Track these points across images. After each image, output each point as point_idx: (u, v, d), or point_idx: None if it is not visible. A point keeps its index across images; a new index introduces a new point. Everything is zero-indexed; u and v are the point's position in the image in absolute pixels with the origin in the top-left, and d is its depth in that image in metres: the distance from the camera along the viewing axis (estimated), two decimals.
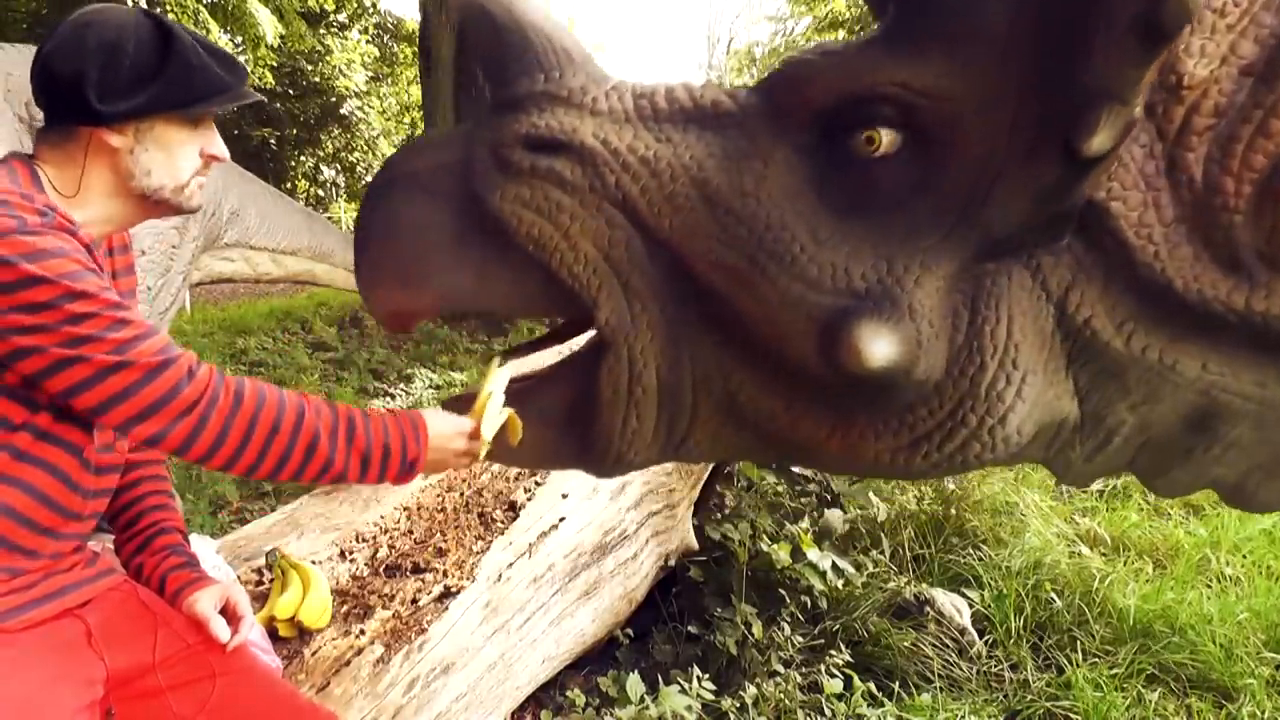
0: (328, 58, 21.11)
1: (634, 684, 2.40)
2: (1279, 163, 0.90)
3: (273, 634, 1.87)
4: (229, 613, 1.40)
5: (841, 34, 14.33)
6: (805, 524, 3.34)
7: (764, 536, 3.12)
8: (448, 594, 2.11)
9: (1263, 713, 2.58)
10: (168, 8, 11.99)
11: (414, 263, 1.12)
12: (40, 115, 1.26)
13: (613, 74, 1.18)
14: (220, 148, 1.30)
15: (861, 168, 1.04)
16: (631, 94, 1.13)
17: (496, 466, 2.70)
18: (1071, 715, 2.55)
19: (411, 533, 2.34)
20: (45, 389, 1.10)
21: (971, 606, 3.01)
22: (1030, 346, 1.01)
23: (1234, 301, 0.95)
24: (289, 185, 23.15)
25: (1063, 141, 0.88)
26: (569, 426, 1.20)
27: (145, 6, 13.51)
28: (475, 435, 1.26)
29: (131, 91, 1.16)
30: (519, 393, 1.26)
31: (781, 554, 2.92)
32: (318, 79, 21.30)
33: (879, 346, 0.96)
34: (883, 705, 2.54)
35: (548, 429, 1.22)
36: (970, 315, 1.01)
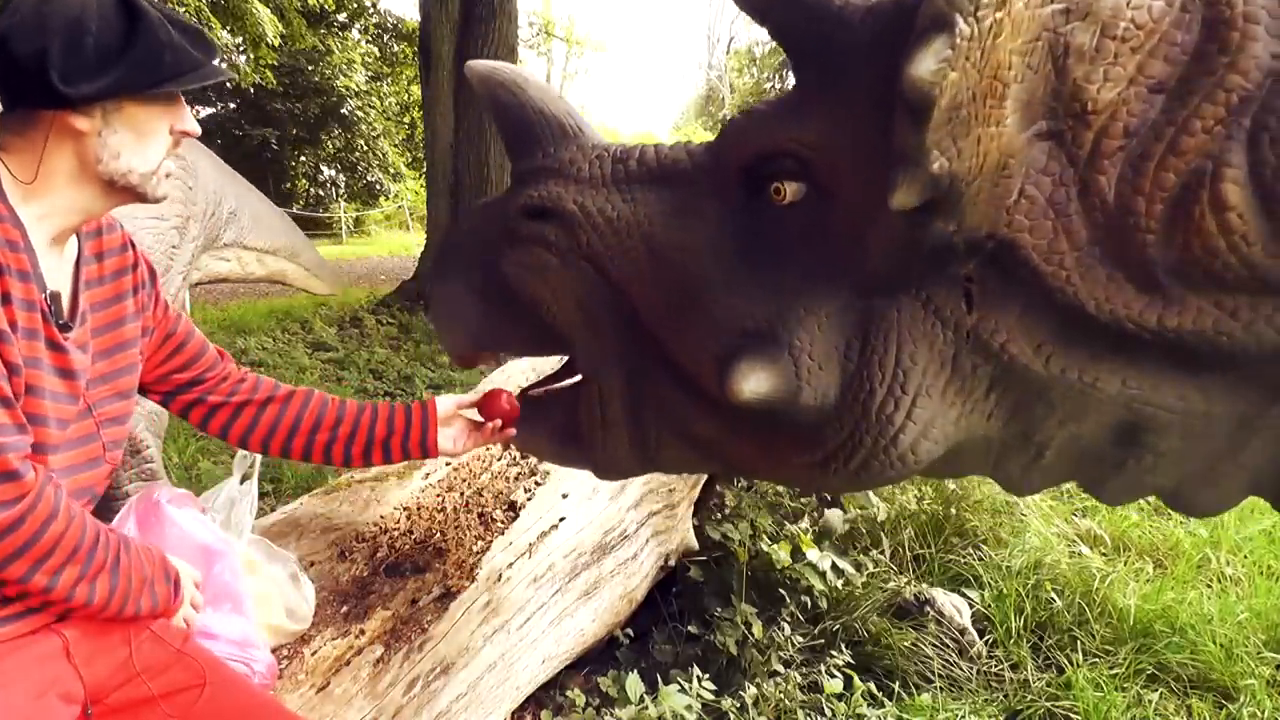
0: (328, 57, 21.11)
1: (634, 684, 2.40)
2: (1189, 180, 0.90)
3: None
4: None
5: None
6: (805, 524, 3.34)
7: (764, 536, 3.12)
8: (448, 594, 2.11)
9: (1263, 713, 2.58)
10: (169, 6, 11.99)
11: (455, 315, 1.42)
12: None
13: (601, 140, 1.39)
14: (191, 123, 1.24)
15: (773, 219, 1.16)
16: (611, 159, 1.32)
17: (496, 467, 2.70)
18: (1071, 715, 2.55)
19: (411, 533, 2.34)
20: None
21: (971, 606, 3.01)
22: (922, 372, 1.08)
23: (1146, 320, 0.97)
24: (289, 185, 23.13)
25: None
26: (567, 441, 1.45)
27: None
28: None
29: (97, 72, 1.08)
30: (535, 405, 1.53)
31: (781, 554, 2.92)
32: (318, 79, 21.30)
33: (751, 381, 1.09)
34: (883, 705, 2.54)
35: (553, 441, 1.50)
36: (860, 346, 1.10)
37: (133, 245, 1.39)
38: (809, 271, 1.12)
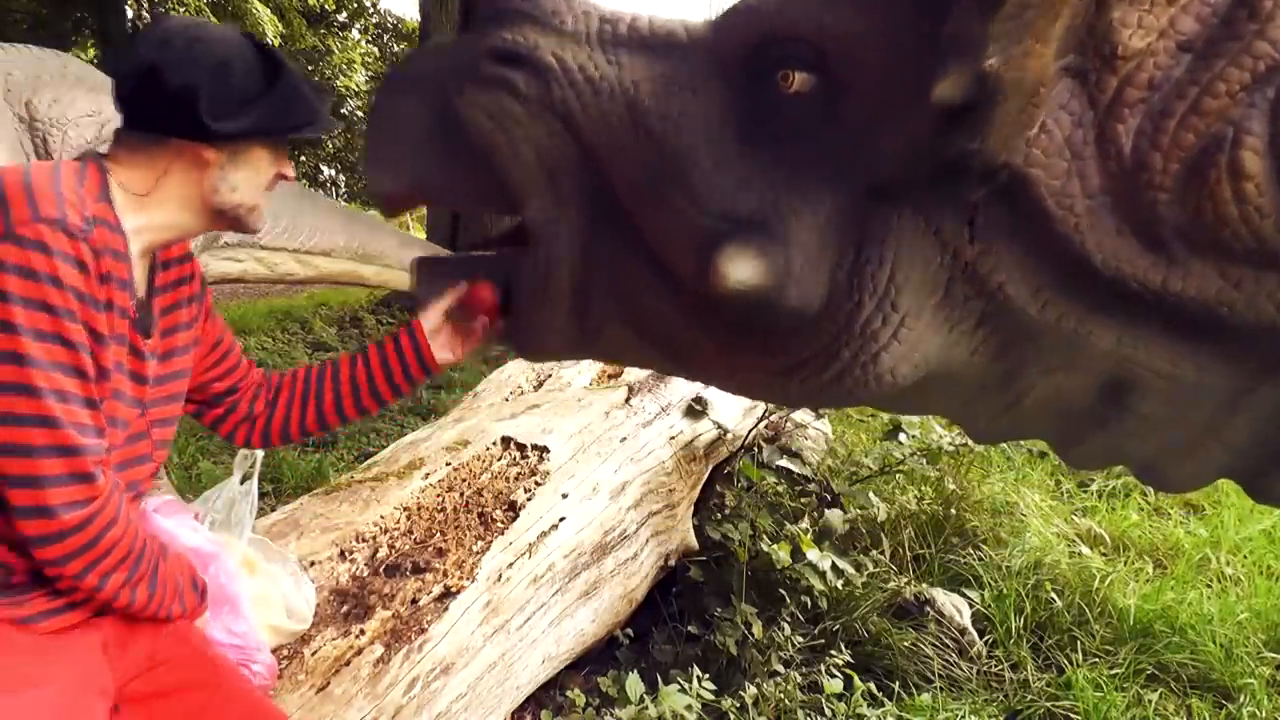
0: (328, 57, 21.11)
1: (634, 684, 2.40)
2: (1209, 143, 0.89)
3: None
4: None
5: None
6: (805, 524, 3.34)
7: (764, 536, 3.12)
8: (448, 594, 2.11)
9: (1263, 713, 2.58)
10: (169, 7, 11.99)
11: (395, 155, 1.25)
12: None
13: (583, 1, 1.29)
14: (290, 168, 1.34)
15: (774, 106, 1.10)
16: (599, 19, 1.22)
17: (496, 466, 2.70)
18: (1071, 715, 2.55)
19: (411, 533, 2.34)
20: None
21: (971, 606, 3.01)
22: (915, 292, 1.03)
23: (1150, 280, 0.95)
24: None
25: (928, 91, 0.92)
26: (503, 305, 1.33)
27: (148, 5, 13.54)
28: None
29: (239, 112, 1.18)
30: (451, 265, 1.41)
31: (781, 554, 2.92)
32: (318, 79, 21.29)
33: (738, 268, 1.02)
34: (883, 705, 2.54)
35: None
36: (854, 254, 1.04)
37: (192, 256, 1.44)
38: (811, 166, 1.06)
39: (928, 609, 2.92)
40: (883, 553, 3.33)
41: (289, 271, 3.66)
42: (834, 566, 2.95)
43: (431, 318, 1.49)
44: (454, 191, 1.30)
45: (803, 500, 3.62)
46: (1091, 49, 0.93)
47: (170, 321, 1.36)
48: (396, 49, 22.30)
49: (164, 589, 1.27)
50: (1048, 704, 2.58)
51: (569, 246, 1.22)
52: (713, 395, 3.45)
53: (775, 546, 2.96)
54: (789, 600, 2.90)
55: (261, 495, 4.22)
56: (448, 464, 2.67)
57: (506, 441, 2.81)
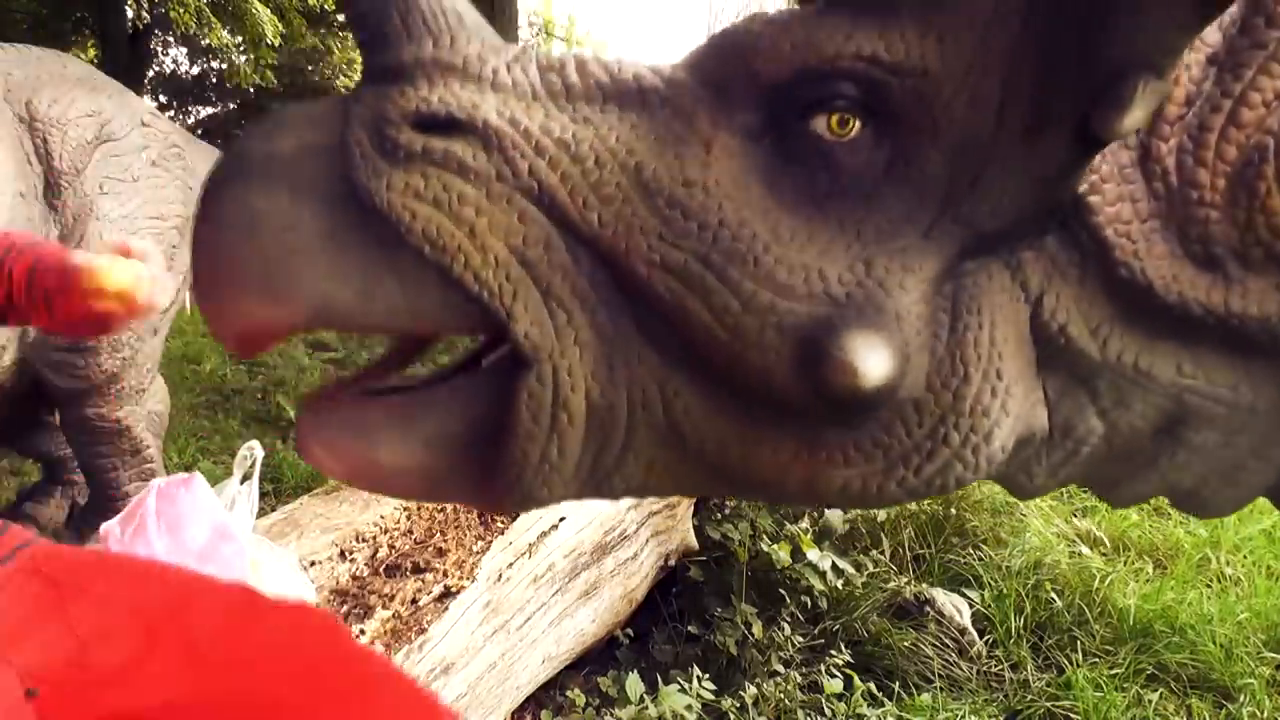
0: (328, 57, 21.11)
1: (634, 684, 2.40)
2: (1251, 155, 0.87)
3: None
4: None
5: None
6: (805, 524, 3.34)
7: (764, 536, 3.12)
8: (448, 594, 2.11)
9: (1263, 713, 2.58)
10: (169, 7, 11.99)
11: (279, 269, 0.91)
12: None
13: (509, 45, 1.00)
14: None
15: (821, 154, 0.92)
16: (536, 66, 0.98)
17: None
18: (1071, 715, 2.55)
19: (411, 533, 2.34)
20: None
21: (971, 606, 3.01)
22: (1013, 356, 0.93)
23: (1214, 301, 0.90)
24: None
25: (1074, 122, 0.81)
26: (468, 457, 0.98)
27: (148, 6, 13.52)
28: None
29: None
30: (394, 410, 1.01)
31: (781, 554, 2.92)
32: (318, 79, 21.29)
33: (874, 361, 0.85)
34: (883, 705, 2.54)
35: (439, 458, 0.99)
36: (951, 321, 0.91)
37: None
38: (888, 223, 0.90)
39: (928, 609, 2.92)
40: (883, 552, 3.33)
41: None
42: (834, 566, 2.95)
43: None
44: (379, 311, 0.94)
45: None
46: None
47: None
48: None
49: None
50: (1048, 704, 2.58)
51: (583, 365, 0.95)
52: None
53: (775, 546, 2.96)
54: (789, 600, 2.90)
55: (261, 495, 4.21)
56: None
57: None
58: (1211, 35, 0.90)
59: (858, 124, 0.90)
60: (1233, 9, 0.90)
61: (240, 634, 1.24)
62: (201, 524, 1.54)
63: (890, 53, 0.87)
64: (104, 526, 1.73)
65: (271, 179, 0.92)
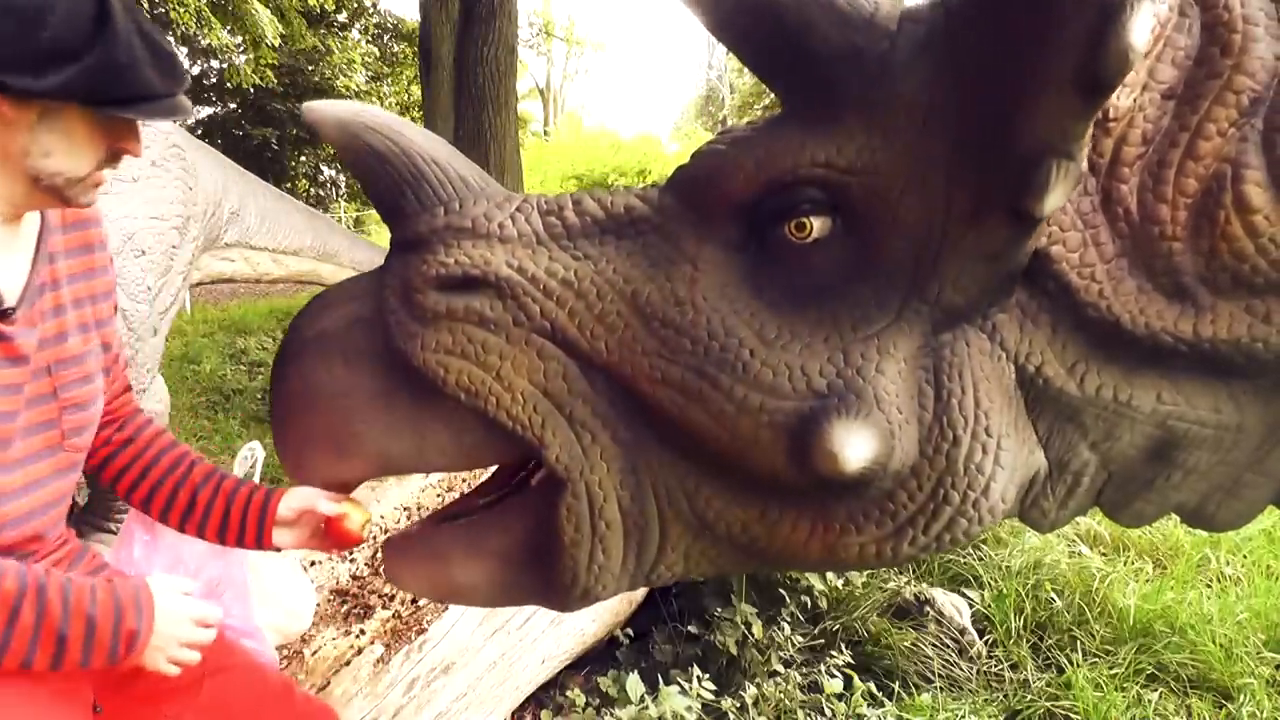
0: (328, 57, 21.12)
1: (634, 684, 2.40)
2: (1210, 185, 0.89)
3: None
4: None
5: None
6: None
7: None
8: None
9: (1262, 713, 2.58)
10: (169, 7, 11.99)
11: (343, 431, 1.06)
12: None
13: (511, 195, 1.13)
14: (135, 144, 1.12)
15: (796, 257, 1.00)
16: (538, 212, 1.10)
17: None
18: (1071, 715, 2.55)
19: None
20: None
21: (971, 606, 3.01)
22: (999, 410, 0.98)
23: (1182, 330, 0.94)
24: (289, 185, 23.14)
25: (1008, 204, 0.87)
26: (528, 566, 1.12)
27: (148, 5, 13.52)
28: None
29: (44, 68, 0.97)
30: (459, 535, 1.17)
31: None
32: (318, 79, 21.30)
33: (855, 446, 0.92)
34: (883, 705, 2.54)
35: (503, 570, 1.14)
36: (935, 391, 0.98)
37: (91, 223, 1.30)
38: (862, 312, 0.98)
39: (928, 609, 2.92)
40: None
41: (266, 271, 3.65)
42: None
43: (298, 502, 1.31)
44: (434, 455, 1.09)
45: None
46: None
47: (86, 292, 1.23)
48: (396, 49, 22.31)
49: (81, 595, 1.07)
50: (1047, 704, 2.58)
51: (611, 477, 1.05)
52: None
53: None
54: (789, 600, 2.90)
55: None
56: None
57: None
58: (1166, 72, 0.93)
59: (817, 223, 0.99)
60: (1186, 43, 0.92)
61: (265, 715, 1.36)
62: (195, 547, 1.54)
63: (842, 155, 0.95)
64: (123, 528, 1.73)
65: (325, 354, 1.09)
